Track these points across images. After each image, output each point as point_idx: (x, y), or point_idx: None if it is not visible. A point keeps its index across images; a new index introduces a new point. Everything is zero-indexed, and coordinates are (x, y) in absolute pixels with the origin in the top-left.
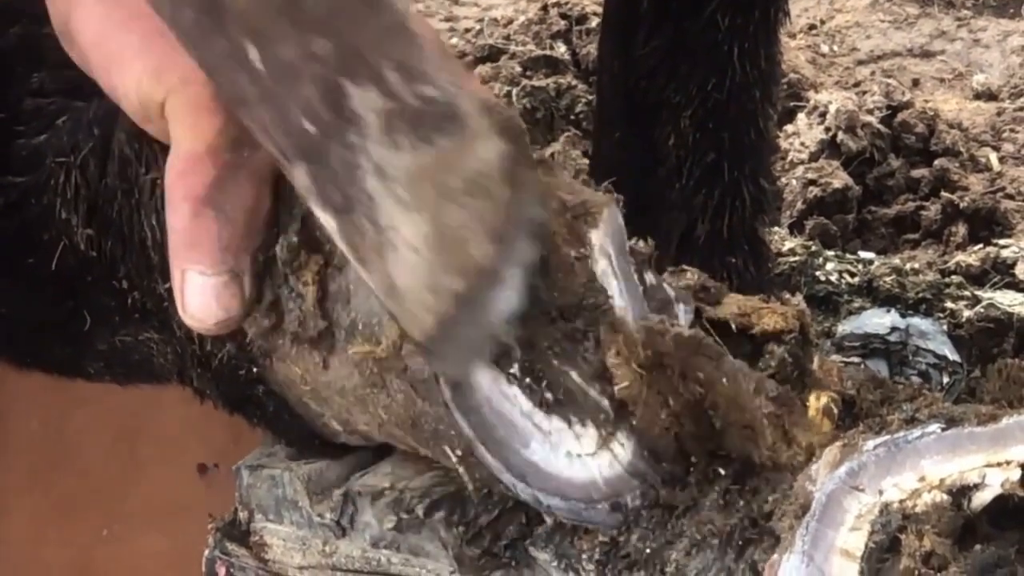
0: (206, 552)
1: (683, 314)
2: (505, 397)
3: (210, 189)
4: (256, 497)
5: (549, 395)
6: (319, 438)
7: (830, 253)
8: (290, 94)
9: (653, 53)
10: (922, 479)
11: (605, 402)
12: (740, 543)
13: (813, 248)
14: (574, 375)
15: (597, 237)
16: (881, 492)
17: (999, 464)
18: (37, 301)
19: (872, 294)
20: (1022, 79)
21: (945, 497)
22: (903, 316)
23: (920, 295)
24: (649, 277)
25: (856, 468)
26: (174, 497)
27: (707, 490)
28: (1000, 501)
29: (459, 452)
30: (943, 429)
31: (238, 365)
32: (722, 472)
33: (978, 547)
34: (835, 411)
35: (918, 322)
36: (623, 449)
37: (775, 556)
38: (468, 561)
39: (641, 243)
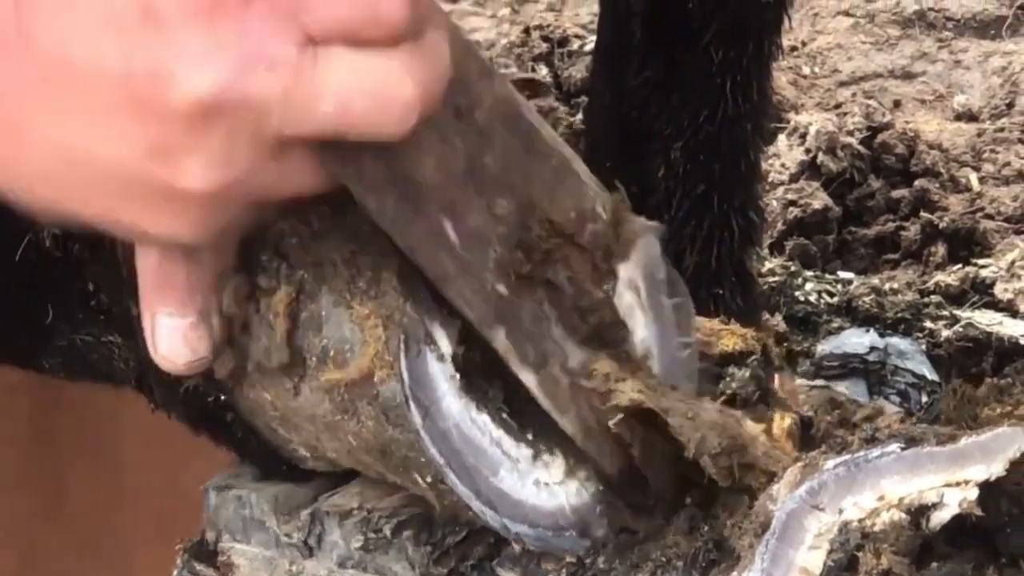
0: (174, 573)
1: None
2: (475, 424)
3: None
4: (223, 518)
5: (518, 422)
6: (286, 463)
7: (809, 273)
8: (483, 260)
9: (646, 84)
10: (881, 498)
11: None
12: (704, 564)
13: (792, 268)
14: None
15: (626, 271)
16: (841, 511)
17: (957, 484)
18: (1, 289)
19: (851, 314)
20: (1003, 100)
21: (903, 516)
22: (882, 336)
23: (899, 315)
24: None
25: (816, 487)
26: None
27: (672, 517)
28: (958, 520)
29: (429, 479)
30: (902, 448)
31: (206, 393)
32: (688, 500)
33: (935, 565)
34: (797, 432)
35: (897, 342)
36: (590, 477)
37: (734, 575)
38: None
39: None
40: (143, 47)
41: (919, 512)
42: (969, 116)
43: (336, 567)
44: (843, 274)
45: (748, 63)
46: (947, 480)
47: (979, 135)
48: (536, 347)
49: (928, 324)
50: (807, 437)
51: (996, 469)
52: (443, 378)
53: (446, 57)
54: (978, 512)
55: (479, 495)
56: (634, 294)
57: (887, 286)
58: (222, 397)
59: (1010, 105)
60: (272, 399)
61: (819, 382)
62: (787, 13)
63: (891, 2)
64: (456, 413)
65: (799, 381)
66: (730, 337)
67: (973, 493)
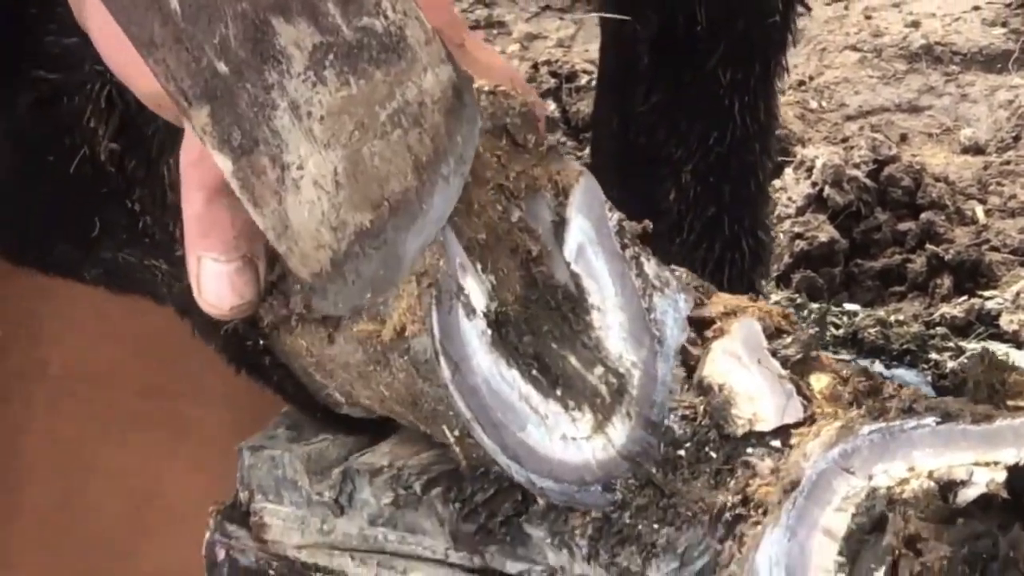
0: (207, 535)
1: (683, 305)
2: (504, 379)
3: (223, 178)
4: (256, 478)
5: (547, 378)
6: (322, 408)
7: (815, 306)
8: (205, 34)
9: (653, 109)
10: (911, 469)
11: (603, 387)
12: (729, 519)
13: (799, 301)
14: (572, 360)
15: (569, 212)
16: (871, 477)
17: (987, 464)
18: (52, 198)
19: (857, 345)
20: (1009, 133)
21: (932, 484)
22: (887, 367)
23: (904, 346)
24: (649, 264)
25: (849, 451)
26: (185, 567)
27: (698, 471)
28: (983, 500)
29: (456, 433)
30: (938, 423)
31: (245, 336)
32: (713, 455)
33: (960, 521)
34: (839, 388)
35: (903, 373)
36: (617, 432)
37: (758, 528)
38: (464, 537)
39: (626, 221)
40: None
41: (947, 487)
42: (976, 149)
43: (367, 525)
44: (849, 306)
45: (755, 84)
46: (978, 459)
47: (985, 168)
48: (246, 132)
49: (934, 356)
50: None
51: None
52: (474, 334)
53: None
54: (1004, 494)
55: (505, 449)
56: (583, 237)
57: (892, 318)
58: (261, 342)
59: (1016, 138)
60: (308, 346)
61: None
62: (792, 34)
63: (898, 36)
64: (486, 369)
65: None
66: (755, 312)
67: (1002, 475)
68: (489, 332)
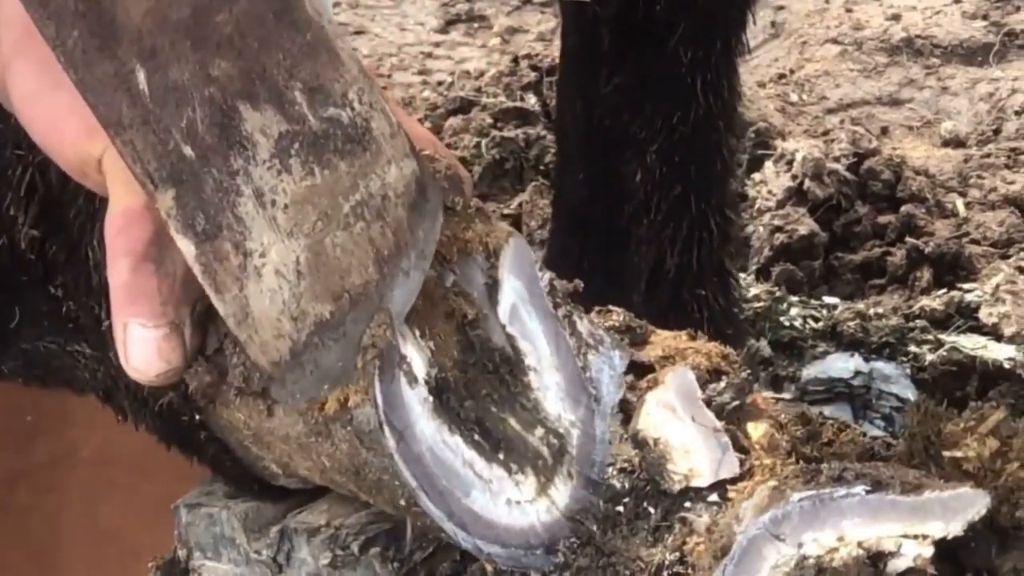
0: None
1: (618, 362)
2: (447, 446)
3: (148, 245)
4: (194, 535)
5: (490, 442)
6: (258, 480)
7: (794, 298)
8: (172, 118)
9: (616, 90)
10: (841, 538)
11: (544, 448)
12: None
13: (778, 294)
14: (513, 422)
15: (501, 272)
16: (800, 545)
17: (916, 536)
18: None
19: (836, 339)
20: (989, 126)
21: (862, 553)
22: (867, 360)
23: (884, 339)
24: (582, 323)
25: (780, 517)
26: None
27: (636, 528)
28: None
29: (402, 502)
30: (867, 491)
31: (180, 411)
32: (651, 511)
33: None
34: (776, 436)
35: (881, 366)
36: (560, 494)
37: None
38: None
39: (557, 280)
40: None
41: (876, 557)
42: (956, 142)
43: None
44: (828, 299)
45: (717, 61)
46: (906, 531)
47: (966, 161)
48: (210, 218)
49: (913, 348)
50: (777, 444)
51: (954, 529)
52: (416, 401)
53: None
54: (931, 571)
55: (452, 516)
56: (515, 297)
57: (872, 311)
58: (196, 416)
59: (996, 131)
60: (246, 419)
61: (786, 395)
62: (751, 10)
63: (879, 30)
64: (429, 436)
65: (766, 394)
66: (695, 356)
67: (929, 551)
68: (431, 399)
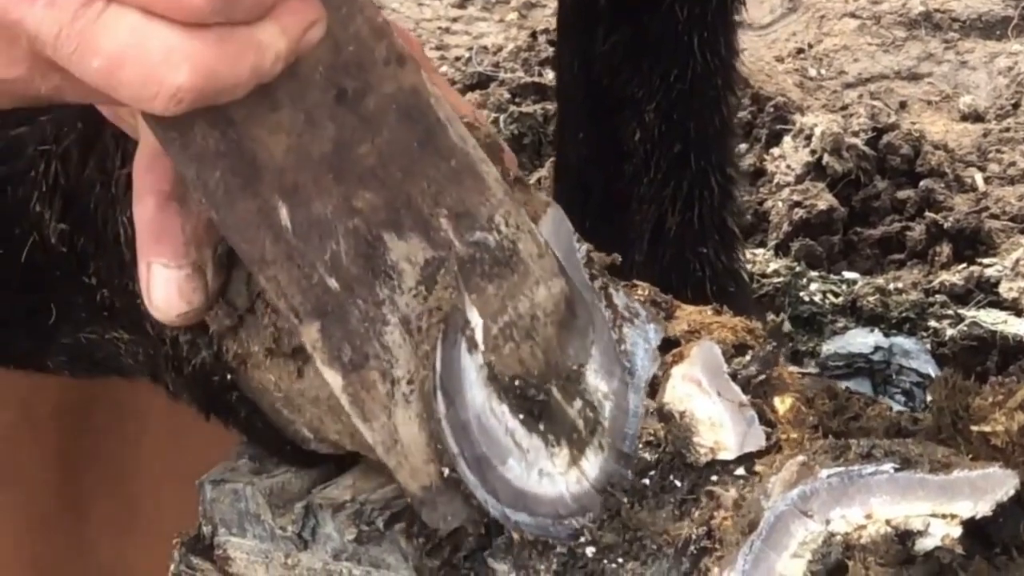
0: (171, 567)
1: (653, 336)
2: (493, 414)
3: (175, 183)
4: (219, 511)
5: (533, 412)
6: (290, 444)
7: (814, 274)
8: (316, 251)
9: (614, 50)
10: (869, 516)
11: (580, 421)
12: (694, 552)
13: (797, 269)
14: (555, 392)
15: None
16: (828, 522)
17: (944, 516)
18: (3, 292)
19: (856, 314)
20: (1008, 100)
21: (890, 531)
22: (887, 335)
23: (904, 314)
24: (618, 295)
25: (808, 493)
26: None
27: (663, 501)
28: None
29: (444, 469)
30: (896, 470)
31: (212, 371)
32: (678, 484)
33: (919, 558)
34: (803, 410)
35: (902, 341)
36: (590, 465)
37: (715, 570)
38: (428, 572)
39: (594, 252)
40: None
41: (904, 536)
42: (975, 117)
43: (331, 559)
44: (848, 274)
45: (713, 18)
46: (934, 510)
47: (985, 135)
48: (356, 348)
49: (933, 323)
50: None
51: (983, 509)
52: (473, 368)
53: (272, 52)
54: (959, 550)
55: (485, 484)
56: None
57: (891, 286)
58: (228, 376)
59: (1016, 105)
60: (276, 380)
61: (812, 370)
62: None
63: (897, 4)
64: (479, 404)
65: (792, 368)
66: (720, 331)
67: (957, 531)
68: (485, 367)
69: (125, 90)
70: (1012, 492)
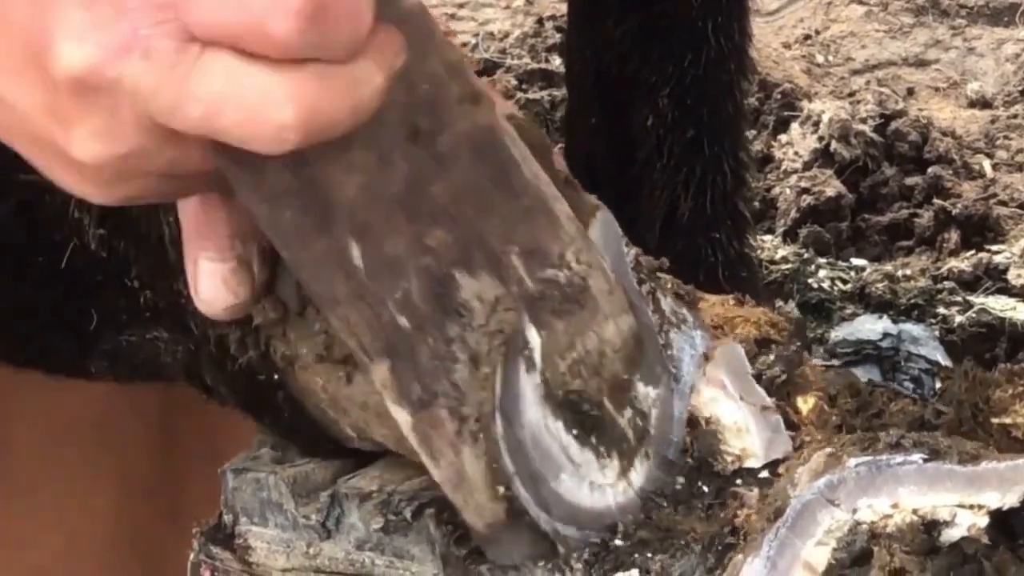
0: (191, 556)
1: (700, 342)
2: (548, 431)
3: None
4: (241, 500)
5: (586, 426)
6: (332, 442)
7: (822, 260)
8: (387, 290)
9: (625, 36)
10: (895, 505)
11: (630, 431)
12: (720, 548)
13: (806, 256)
14: (607, 403)
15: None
16: (855, 510)
17: (971, 507)
18: (45, 300)
19: (864, 300)
20: (1016, 87)
21: (916, 520)
22: (895, 322)
23: (912, 301)
24: (665, 300)
25: (836, 482)
26: None
27: (691, 507)
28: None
29: (501, 489)
30: (925, 460)
31: (258, 370)
32: (705, 489)
33: (944, 549)
34: (826, 410)
35: (910, 328)
36: (637, 475)
37: (739, 556)
38: (455, 561)
39: (643, 256)
40: (41, 9)
41: (931, 526)
42: (982, 103)
43: (353, 549)
44: (856, 261)
45: (727, 3)
46: (961, 501)
47: (992, 122)
48: (426, 386)
49: (941, 310)
50: (827, 420)
51: (1010, 500)
52: (530, 387)
53: (370, 88)
54: (985, 540)
55: (538, 500)
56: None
57: (900, 272)
58: (275, 376)
59: (1023, 92)
60: (324, 383)
61: (834, 362)
62: None
63: None
64: (535, 422)
65: (816, 361)
66: (744, 325)
67: (984, 521)
68: (542, 385)
69: (229, 132)
70: None
